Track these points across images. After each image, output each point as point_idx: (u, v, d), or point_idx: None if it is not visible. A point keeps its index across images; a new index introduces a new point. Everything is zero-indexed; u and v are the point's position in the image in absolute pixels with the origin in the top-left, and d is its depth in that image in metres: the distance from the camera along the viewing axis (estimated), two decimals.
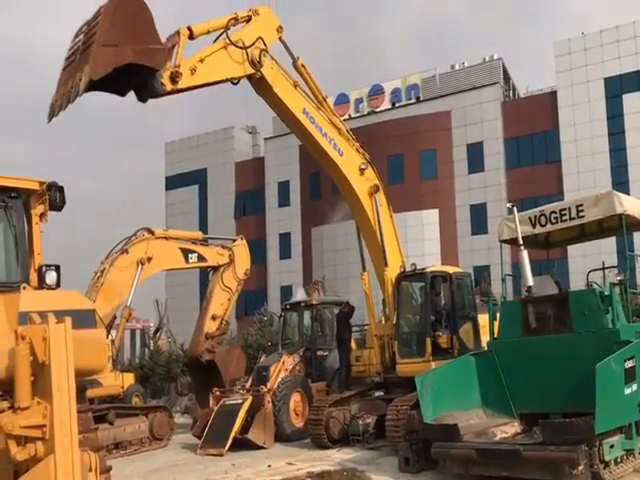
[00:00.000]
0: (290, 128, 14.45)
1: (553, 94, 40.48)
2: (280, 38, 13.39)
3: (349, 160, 14.34)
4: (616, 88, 37.99)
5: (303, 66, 13.75)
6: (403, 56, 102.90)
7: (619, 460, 8.87)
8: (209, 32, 11.75)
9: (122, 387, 18.60)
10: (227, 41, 12.02)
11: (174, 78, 10.85)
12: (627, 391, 8.81)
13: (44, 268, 6.65)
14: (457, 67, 45.27)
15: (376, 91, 45.67)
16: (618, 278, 10.69)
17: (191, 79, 11.23)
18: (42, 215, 7.10)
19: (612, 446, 8.65)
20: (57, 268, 6.70)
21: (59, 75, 10.09)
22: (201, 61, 11.44)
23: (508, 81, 44.98)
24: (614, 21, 38.44)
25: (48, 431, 4.13)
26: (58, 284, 6.65)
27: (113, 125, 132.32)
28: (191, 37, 11.32)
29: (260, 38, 12.59)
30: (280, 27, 13.35)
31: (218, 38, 12.07)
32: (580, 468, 8.17)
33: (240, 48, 12.20)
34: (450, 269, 15.18)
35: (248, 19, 12.67)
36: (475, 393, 10.75)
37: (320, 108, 13.98)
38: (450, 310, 14.18)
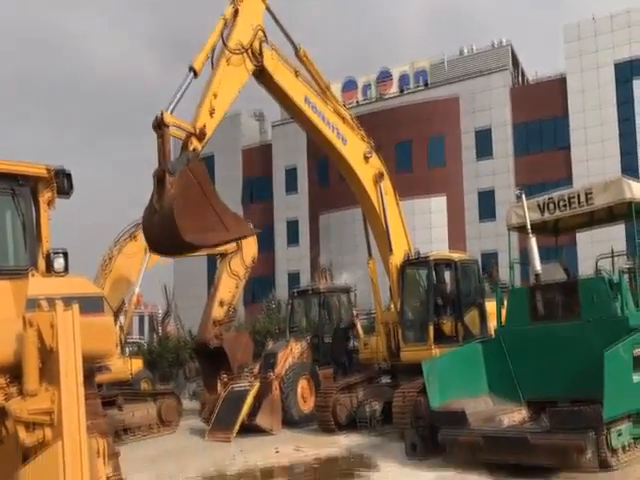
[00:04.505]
0: (293, 117, 14.32)
1: (562, 80, 40.17)
2: (267, 8, 12.59)
3: (353, 148, 14.26)
4: (626, 73, 37.67)
5: (305, 55, 13.59)
6: (413, 40, 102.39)
7: (627, 447, 8.86)
8: (208, 57, 11.19)
9: (131, 372, 18.69)
10: (228, 54, 11.55)
11: (201, 137, 10.55)
12: (636, 378, 8.80)
13: (52, 254, 6.65)
14: (466, 52, 44.95)
15: (384, 76, 45.44)
16: (627, 265, 10.63)
17: (213, 121, 10.91)
18: (50, 201, 7.09)
19: (620, 433, 8.64)
20: (65, 254, 6.69)
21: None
22: (214, 96, 11.06)
23: (517, 66, 44.65)
24: (626, 4, 37.76)
25: (56, 417, 4.12)
26: (66, 270, 6.65)
27: (120, 113, 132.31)
28: (196, 75, 10.81)
29: (259, 28, 12.17)
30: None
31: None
32: (588, 455, 8.18)
33: (242, 53, 11.78)
34: (455, 255, 15.14)
35: (235, 12, 12.00)
36: (482, 380, 10.75)
37: (323, 97, 13.84)
38: (455, 297, 14.17)
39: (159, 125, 9.85)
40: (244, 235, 9.98)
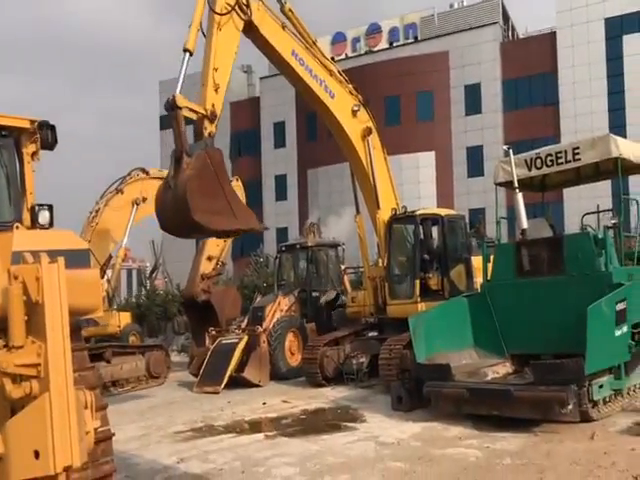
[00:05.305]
0: (280, 71, 14.08)
1: (552, 35, 39.84)
2: None
3: (340, 102, 14.09)
4: (617, 29, 37.40)
5: (291, 10, 13.33)
6: None
7: (607, 400, 9.03)
8: (198, 30, 10.71)
9: (119, 326, 18.76)
10: (217, 19, 11.14)
11: (212, 118, 10.37)
12: (617, 333, 8.92)
13: (37, 208, 6.59)
14: (456, 6, 44.49)
15: (373, 30, 44.97)
16: (612, 221, 10.69)
17: (219, 96, 10.74)
18: (34, 154, 7.00)
19: (601, 386, 8.79)
20: (50, 208, 6.63)
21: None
22: (215, 70, 10.86)
23: (507, 21, 44.24)
24: None
25: (43, 369, 4.14)
26: (51, 224, 6.60)
27: (110, 65, 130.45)
28: (192, 54, 10.44)
29: None
30: None
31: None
32: (569, 407, 8.31)
33: (229, 12, 11.32)
34: (442, 211, 15.17)
35: None
36: (468, 334, 10.87)
37: (311, 50, 13.61)
38: (441, 252, 14.24)
39: (172, 108, 9.82)
40: (251, 228, 10.00)
